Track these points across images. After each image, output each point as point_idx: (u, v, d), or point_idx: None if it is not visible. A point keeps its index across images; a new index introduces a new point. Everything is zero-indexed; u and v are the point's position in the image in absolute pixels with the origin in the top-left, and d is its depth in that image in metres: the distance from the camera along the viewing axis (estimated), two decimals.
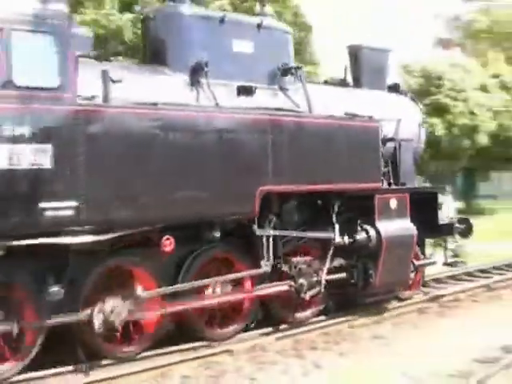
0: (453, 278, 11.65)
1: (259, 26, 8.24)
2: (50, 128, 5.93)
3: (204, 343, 7.48)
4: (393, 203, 8.62)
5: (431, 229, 9.42)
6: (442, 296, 10.07)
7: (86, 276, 6.58)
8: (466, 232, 9.87)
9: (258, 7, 8.80)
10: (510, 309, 9.68)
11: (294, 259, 8.03)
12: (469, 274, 11.93)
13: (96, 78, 6.56)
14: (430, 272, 10.76)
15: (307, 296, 8.08)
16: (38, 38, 5.94)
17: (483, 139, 26.19)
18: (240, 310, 7.83)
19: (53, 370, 6.47)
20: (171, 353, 7.20)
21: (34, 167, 5.84)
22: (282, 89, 8.40)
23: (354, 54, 9.80)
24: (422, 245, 9.70)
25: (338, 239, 8.24)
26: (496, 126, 26.98)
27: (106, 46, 15.46)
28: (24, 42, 5.86)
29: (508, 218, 23.92)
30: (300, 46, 20.98)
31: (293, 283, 7.98)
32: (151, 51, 7.99)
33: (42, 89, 5.92)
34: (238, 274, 7.61)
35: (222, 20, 7.94)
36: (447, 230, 9.70)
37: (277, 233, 7.74)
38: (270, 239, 7.67)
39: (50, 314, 6.31)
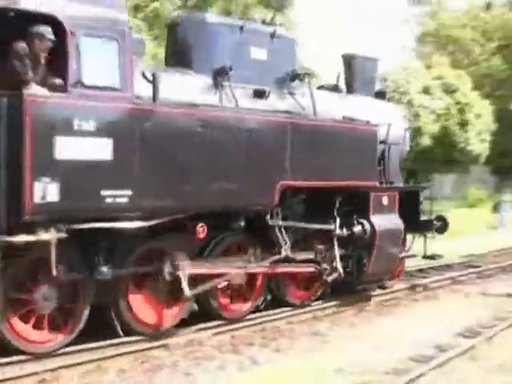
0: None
1: (272, 35, 9.25)
2: (112, 124, 6.80)
3: (140, 337, 7.67)
4: (385, 200, 9.82)
5: (413, 224, 10.68)
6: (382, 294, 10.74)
7: (128, 257, 7.50)
8: (443, 228, 11.18)
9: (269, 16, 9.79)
10: (445, 308, 10.29)
11: (320, 246, 9.21)
12: (408, 273, 12.38)
13: (140, 78, 7.48)
14: None
15: (329, 279, 9.26)
16: (103, 42, 6.81)
17: (426, 141, 27.67)
18: (253, 290, 8.86)
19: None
20: (107, 346, 7.33)
21: (98, 158, 6.72)
22: (291, 93, 9.42)
23: (348, 62, 10.93)
24: (403, 239, 10.95)
25: (338, 231, 9.37)
26: (439, 128, 28.55)
27: None
28: (91, 46, 6.71)
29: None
30: None
31: (318, 266, 9.16)
32: (177, 54, 8.85)
33: (106, 88, 6.80)
34: (275, 257, 8.70)
35: (241, 28, 8.90)
36: (427, 226, 10.99)
37: (290, 223, 8.82)
38: (282, 229, 8.75)
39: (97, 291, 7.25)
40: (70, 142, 6.49)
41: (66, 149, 6.45)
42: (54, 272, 6.54)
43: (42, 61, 6.55)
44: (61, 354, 7.01)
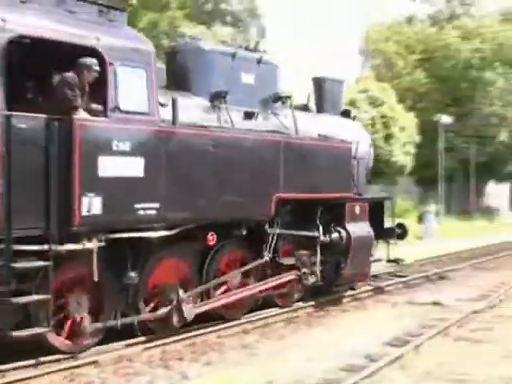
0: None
1: (259, 61, 10.57)
2: (143, 144, 7.97)
3: (67, 356, 7.77)
4: (357, 210, 11.32)
5: (378, 231, 12.22)
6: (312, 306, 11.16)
7: (148, 263, 8.65)
8: (403, 235, 12.80)
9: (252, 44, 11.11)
10: (373, 318, 10.69)
11: (299, 252, 10.50)
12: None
13: None
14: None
15: (309, 283, 10.56)
16: (134, 71, 7.96)
17: None
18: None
19: None
20: (36, 365, 7.45)
21: (132, 175, 7.85)
22: (274, 113, 10.76)
23: (318, 84, 12.40)
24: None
25: (322, 238, 10.77)
26: None
27: None
28: (125, 75, 7.85)
29: None
30: None
31: (298, 272, 10.45)
32: (176, 79, 10.01)
33: (137, 113, 7.95)
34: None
35: (233, 55, 10.19)
36: (390, 233, 12.58)
37: (283, 231, 10.16)
38: (275, 236, 10.08)
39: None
40: (110, 160, 7.61)
41: (107, 167, 7.57)
42: (96, 278, 7.61)
43: (87, 89, 7.63)
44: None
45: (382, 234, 12.42)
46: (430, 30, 42.48)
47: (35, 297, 7.19)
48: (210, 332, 9.22)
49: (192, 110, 9.43)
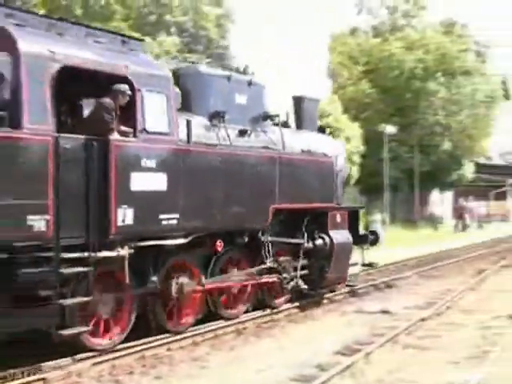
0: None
1: (250, 83, 11.96)
2: (166, 161, 9.26)
3: (17, 370, 7.85)
4: (338, 218, 12.81)
5: (354, 238, 13.72)
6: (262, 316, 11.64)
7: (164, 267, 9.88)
8: (375, 241, 14.38)
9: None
10: (323, 328, 11.17)
11: (280, 258, 11.86)
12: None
13: None
14: None
15: (289, 286, 11.92)
16: (158, 95, 9.25)
17: None
18: (245, 294, 11.46)
19: None
20: None
21: (157, 189, 9.13)
22: (264, 131, 12.13)
23: (298, 102, 13.85)
24: None
25: (306, 244, 12.20)
26: None
27: None
28: (150, 99, 9.14)
29: None
30: None
31: (280, 276, 11.81)
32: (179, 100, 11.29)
33: (160, 133, 9.22)
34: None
35: (228, 78, 11.54)
36: (364, 239, 14.14)
37: (274, 239, 11.55)
38: (269, 243, 11.47)
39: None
40: (140, 176, 8.87)
41: (137, 182, 8.83)
42: (128, 281, 8.84)
43: (118, 112, 8.85)
44: None
45: (358, 240, 13.94)
46: (374, 41, 44.41)
47: (79, 299, 8.36)
48: (160, 345, 9.48)
49: (194, 128, 10.72)
